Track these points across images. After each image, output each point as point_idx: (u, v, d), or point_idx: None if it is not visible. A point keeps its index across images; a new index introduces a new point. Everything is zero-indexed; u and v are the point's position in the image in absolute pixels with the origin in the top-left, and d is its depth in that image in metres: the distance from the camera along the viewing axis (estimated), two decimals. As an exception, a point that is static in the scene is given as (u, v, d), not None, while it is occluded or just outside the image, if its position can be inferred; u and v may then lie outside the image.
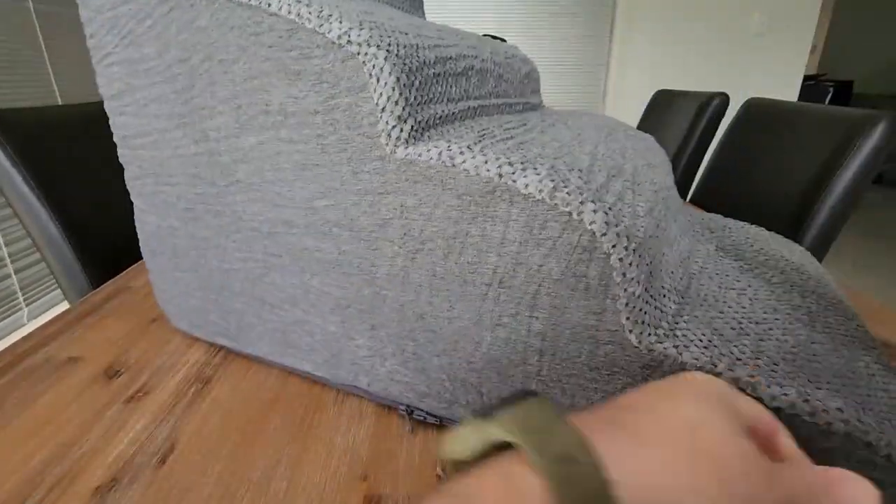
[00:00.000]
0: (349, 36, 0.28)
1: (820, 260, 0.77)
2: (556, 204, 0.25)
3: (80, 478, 0.33)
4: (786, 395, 0.23)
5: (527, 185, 0.25)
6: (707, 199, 1.11)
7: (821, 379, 0.25)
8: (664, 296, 0.28)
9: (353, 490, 0.32)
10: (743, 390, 0.24)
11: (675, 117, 1.41)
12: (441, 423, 0.37)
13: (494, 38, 0.66)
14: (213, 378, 0.43)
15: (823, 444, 0.23)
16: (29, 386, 0.42)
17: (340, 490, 0.32)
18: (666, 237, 0.33)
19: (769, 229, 0.49)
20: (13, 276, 1.57)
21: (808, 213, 0.80)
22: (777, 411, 0.23)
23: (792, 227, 0.82)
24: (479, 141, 0.29)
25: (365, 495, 0.31)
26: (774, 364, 0.25)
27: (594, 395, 0.29)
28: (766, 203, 0.92)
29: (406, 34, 0.32)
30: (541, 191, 0.25)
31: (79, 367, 0.45)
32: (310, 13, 0.28)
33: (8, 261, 1.55)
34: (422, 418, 0.37)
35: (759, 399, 0.24)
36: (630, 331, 0.26)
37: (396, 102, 0.28)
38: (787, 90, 2.47)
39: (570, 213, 0.25)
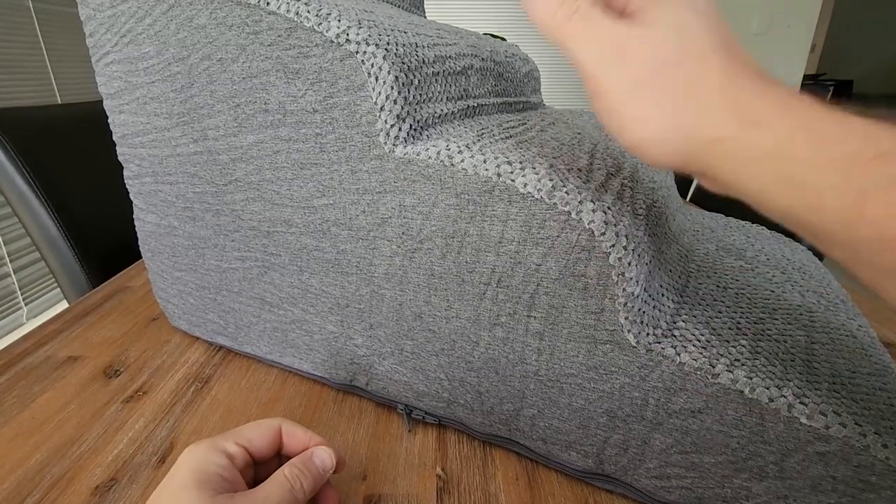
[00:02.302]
0: (348, 34, 0.28)
1: (820, 259, 0.77)
2: (554, 203, 0.25)
3: (79, 477, 0.33)
4: (784, 396, 0.23)
5: (525, 185, 0.25)
6: (707, 199, 1.10)
7: (820, 380, 0.25)
8: (662, 295, 0.28)
9: (352, 489, 0.32)
10: (742, 391, 0.24)
11: (675, 117, 1.41)
12: (440, 423, 0.37)
13: (495, 37, 0.66)
14: (212, 377, 0.43)
15: (821, 448, 0.23)
16: (28, 385, 0.42)
17: (340, 489, 0.32)
18: (665, 236, 0.33)
19: (769, 228, 0.49)
20: (12, 276, 1.57)
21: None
22: (775, 413, 0.23)
23: (791, 227, 0.82)
24: (478, 140, 0.29)
25: (365, 495, 0.31)
26: (772, 365, 0.25)
27: (592, 394, 0.29)
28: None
29: (405, 33, 0.31)
30: (539, 190, 0.25)
31: (78, 366, 0.45)
32: (308, 12, 0.28)
33: (7, 260, 1.55)
34: (420, 417, 0.37)
35: (758, 401, 0.24)
36: (628, 330, 0.26)
37: (395, 101, 0.28)
38: (787, 90, 2.46)
39: (568, 213, 0.25)
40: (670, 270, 0.31)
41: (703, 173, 0.19)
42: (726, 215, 0.55)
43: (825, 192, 0.16)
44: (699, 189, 1.16)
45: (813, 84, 3.58)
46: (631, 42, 0.19)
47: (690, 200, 1.13)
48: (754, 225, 0.50)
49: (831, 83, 3.65)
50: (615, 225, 0.25)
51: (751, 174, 0.18)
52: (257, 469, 0.26)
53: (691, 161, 0.19)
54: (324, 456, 0.26)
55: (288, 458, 0.26)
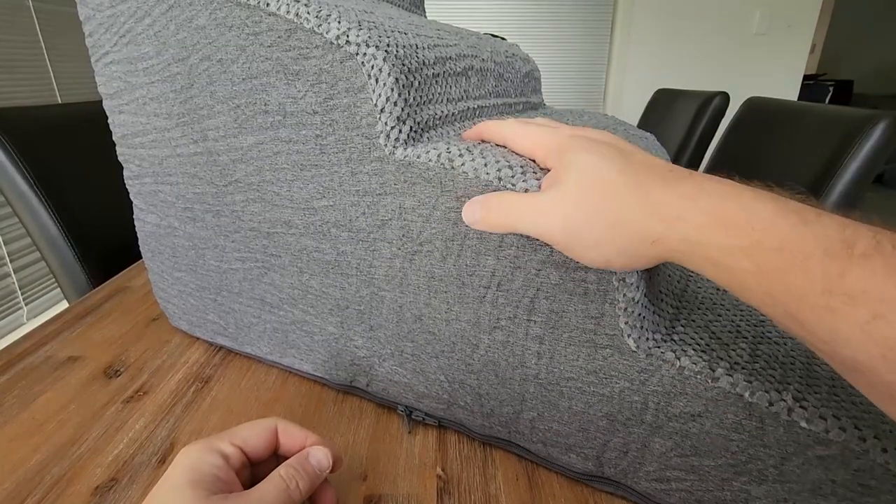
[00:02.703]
0: (348, 36, 0.28)
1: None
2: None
3: (79, 477, 0.33)
4: (783, 400, 0.23)
5: (526, 190, 0.25)
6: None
7: (819, 384, 0.25)
8: (662, 300, 0.28)
9: (353, 490, 0.32)
10: (741, 395, 0.24)
11: (676, 116, 1.41)
12: (440, 424, 0.37)
13: (495, 37, 0.66)
14: (212, 378, 0.43)
15: (821, 451, 0.23)
16: (28, 385, 0.42)
17: (340, 490, 0.32)
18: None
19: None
20: (12, 275, 1.57)
21: (808, 213, 0.80)
22: (774, 417, 0.23)
23: (792, 227, 0.82)
24: (479, 143, 0.29)
25: (365, 495, 0.32)
26: (771, 369, 0.25)
27: (592, 398, 0.29)
28: (766, 203, 0.92)
29: (405, 34, 0.31)
30: (540, 193, 0.25)
31: (78, 366, 0.45)
32: (308, 13, 0.28)
33: (7, 260, 1.55)
34: (420, 419, 0.37)
35: (758, 404, 0.24)
36: (628, 335, 0.26)
37: (395, 103, 0.28)
38: (787, 89, 2.46)
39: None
40: (669, 275, 0.31)
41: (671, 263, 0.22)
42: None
43: (744, 275, 0.18)
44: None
45: (813, 84, 3.59)
46: (548, 205, 0.23)
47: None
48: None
49: (831, 83, 3.65)
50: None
51: (692, 262, 0.20)
52: (254, 469, 0.26)
53: (650, 261, 0.22)
54: (320, 455, 0.26)
55: (285, 457, 0.26)
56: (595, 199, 0.22)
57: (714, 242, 0.19)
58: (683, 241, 0.20)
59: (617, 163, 0.22)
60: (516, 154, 0.28)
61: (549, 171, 0.26)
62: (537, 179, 0.25)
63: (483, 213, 0.26)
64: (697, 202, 0.19)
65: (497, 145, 0.29)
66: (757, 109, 1.07)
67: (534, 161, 0.27)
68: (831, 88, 3.58)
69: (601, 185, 0.22)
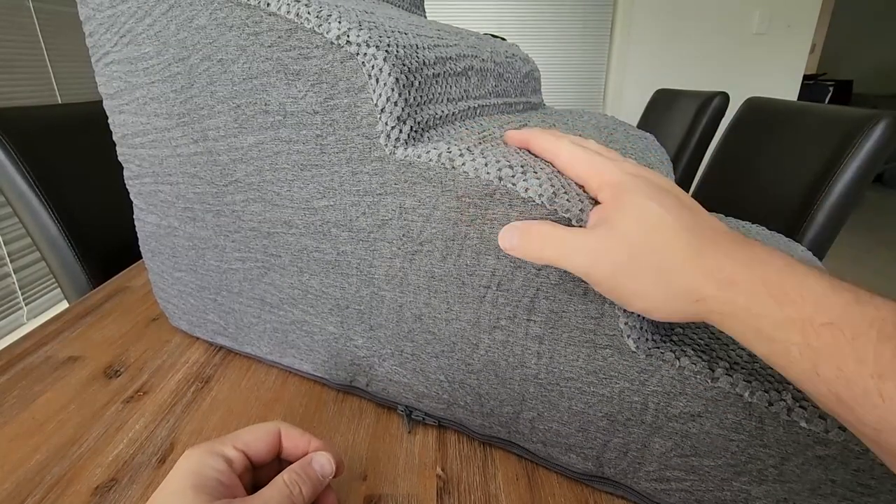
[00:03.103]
0: (348, 36, 0.28)
1: (820, 259, 0.77)
2: (555, 209, 0.25)
3: (79, 477, 0.33)
4: (783, 400, 0.23)
5: (527, 189, 0.25)
6: (707, 198, 1.11)
7: None
8: None
9: (353, 490, 0.32)
10: (741, 395, 0.24)
11: (676, 116, 1.41)
12: (440, 424, 0.37)
13: (495, 37, 0.66)
14: (212, 378, 0.43)
15: (821, 451, 0.23)
16: (28, 385, 0.42)
17: (340, 490, 0.32)
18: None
19: (769, 228, 0.49)
20: (12, 276, 1.57)
21: (808, 213, 0.80)
22: (774, 417, 0.23)
23: (791, 227, 0.82)
24: (480, 143, 0.29)
25: (365, 495, 0.32)
26: (771, 369, 0.25)
27: (592, 398, 0.29)
28: (766, 202, 0.92)
29: (405, 34, 0.31)
30: (541, 195, 0.25)
31: (78, 366, 0.45)
32: (309, 13, 0.28)
33: (7, 260, 1.55)
34: (420, 419, 0.37)
35: (757, 404, 0.24)
36: (628, 335, 0.26)
37: (396, 103, 0.28)
38: (787, 89, 2.46)
39: (569, 220, 0.25)
40: None
41: (709, 324, 0.22)
42: (725, 215, 0.55)
43: (790, 348, 0.18)
44: (699, 189, 1.16)
45: (813, 84, 3.59)
46: (597, 244, 0.23)
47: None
48: (754, 225, 0.50)
49: (831, 83, 3.65)
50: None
51: (733, 327, 0.20)
52: (256, 473, 0.26)
53: (689, 317, 0.21)
54: (323, 461, 0.26)
55: (287, 461, 0.26)
56: (651, 250, 0.21)
57: (765, 312, 0.19)
58: (730, 304, 0.19)
59: (680, 218, 0.22)
60: (517, 154, 0.28)
61: (593, 199, 0.25)
62: (537, 178, 0.25)
63: (521, 241, 0.25)
64: (752, 270, 0.19)
65: (502, 142, 0.29)
66: (757, 109, 1.07)
67: (580, 187, 0.26)
68: (831, 88, 3.58)
69: (660, 238, 0.21)
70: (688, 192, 1.28)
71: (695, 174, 1.33)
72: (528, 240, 0.25)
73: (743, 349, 0.26)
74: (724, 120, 1.28)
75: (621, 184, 0.24)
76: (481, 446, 0.36)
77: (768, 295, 0.19)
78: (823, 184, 0.79)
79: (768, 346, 0.19)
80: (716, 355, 0.25)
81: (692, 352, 0.25)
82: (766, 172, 0.96)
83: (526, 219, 0.26)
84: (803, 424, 0.23)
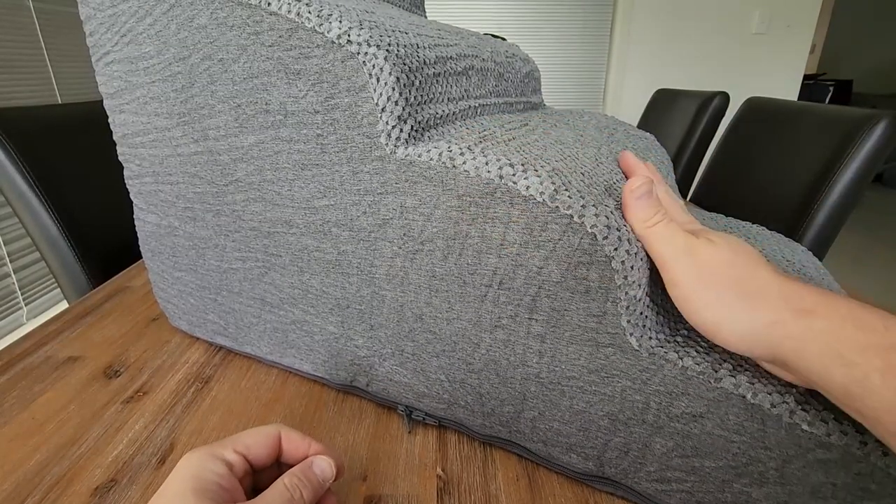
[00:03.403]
0: (349, 35, 0.28)
1: (820, 259, 0.77)
2: (556, 206, 0.25)
3: (78, 478, 0.33)
4: (785, 402, 0.23)
5: (528, 187, 0.25)
6: (707, 198, 1.11)
7: None
8: (666, 300, 0.28)
9: (353, 490, 0.32)
10: (744, 396, 0.24)
11: (676, 116, 1.41)
12: (440, 424, 0.37)
13: (495, 37, 0.66)
14: (212, 378, 0.43)
15: (822, 455, 0.23)
16: (28, 385, 0.42)
17: (340, 490, 0.32)
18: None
19: (769, 228, 0.49)
20: (12, 276, 1.57)
21: (808, 212, 0.80)
22: (777, 419, 0.23)
23: (791, 227, 0.82)
24: (480, 142, 0.29)
25: (365, 495, 0.31)
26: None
27: (594, 397, 0.29)
28: (766, 202, 0.92)
29: (406, 34, 0.31)
30: (542, 193, 0.25)
31: (78, 366, 0.45)
32: (309, 12, 0.28)
33: (7, 260, 1.55)
34: (421, 419, 0.37)
35: (760, 406, 0.24)
36: (631, 334, 0.26)
37: (396, 102, 0.28)
38: (787, 89, 2.46)
39: (570, 216, 0.25)
40: None
41: (773, 358, 0.22)
42: (725, 215, 0.55)
43: (871, 374, 0.18)
44: (699, 189, 1.16)
45: (813, 84, 3.59)
46: (698, 247, 0.24)
47: (690, 201, 1.13)
48: (755, 225, 0.50)
49: (831, 83, 3.65)
50: (618, 229, 0.25)
51: (810, 352, 0.20)
52: (255, 477, 0.26)
53: (756, 343, 0.22)
54: (324, 465, 0.26)
55: (287, 464, 0.26)
56: (742, 269, 0.23)
57: (846, 335, 0.19)
58: (809, 329, 0.20)
59: (760, 254, 0.24)
60: (518, 153, 0.28)
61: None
62: (538, 176, 0.25)
63: (644, 209, 0.26)
64: (831, 301, 0.21)
65: (503, 141, 0.29)
66: (757, 109, 1.07)
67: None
68: (831, 88, 3.58)
69: (748, 261, 0.23)
70: (688, 192, 1.29)
71: (695, 174, 1.33)
72: (653, 210, 0.26)
73: None
74: (724, 120, 1.28)
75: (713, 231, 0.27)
76: (481, 446, 0.36)
77: (849, 322, 0.19)
78: (823, 184, 0.79)
79: (846, 372, 0.19)
80: (719, 357, 0.25)
81: (696, 353, 0.25)
82: (766, 172, 0.96)
83: (527, 218, 0.26)
84: (805, 427, 0.23)
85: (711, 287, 0.23)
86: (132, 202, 0.45)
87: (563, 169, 0.27)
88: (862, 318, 0.19)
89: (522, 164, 0.26)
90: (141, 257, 0.49)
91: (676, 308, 0.28)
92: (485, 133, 0.31)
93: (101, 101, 0.42)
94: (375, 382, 0.38)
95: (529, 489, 0.32)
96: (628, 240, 0.25)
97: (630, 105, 2.50)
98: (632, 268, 0.25)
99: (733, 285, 0.23)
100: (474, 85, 0.38)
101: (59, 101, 1.73)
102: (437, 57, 0.33)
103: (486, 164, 0.26)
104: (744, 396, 0.24)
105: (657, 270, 0.26)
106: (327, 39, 0.28)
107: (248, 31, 0.30)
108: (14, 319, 1.58)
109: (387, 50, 0.28)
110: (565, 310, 0.27)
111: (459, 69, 0.36)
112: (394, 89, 0.28)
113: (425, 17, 0.63)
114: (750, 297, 0.22)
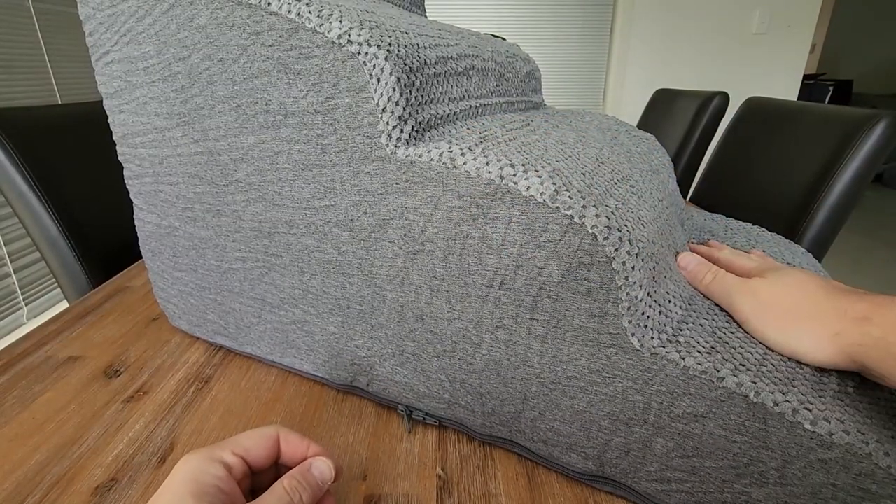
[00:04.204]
0: (349, 36, 0.28)
1: (819, 259, 0.77)
2: (557, 207, 0.25)
3: (79, 477, 0.33)
4: (788, 401, 0.23)
5: (528, 188, 0.25)
6: (707, 199, 1.11)
7: (825, 389, 0.24)
8: (669, 301, 0.28)
9: (353, 489, 0.32)
10: (746, 395, 0.24)
11: (676, 116, 1.41)
12: (440, 424, 0.37)
13: (495, 37, 0.65)
14: (212, 377, 0.43)
15: (823, 455, 0.23)
16: (28, 385, 0.42)
17: (340, 490, 0.32)
18: (672, 245, 0.33)
19: (769, 228, 0.49)
20: (13, 276, 1.57)
21: (808, 213, 0.80)
22: (779, 418, 0.23)
23: (791, 227, 0.82)
24: (481, 142, 0.29)
25: (365, 495, 0.31)
26: (777, 371, 0.25)
27: (594, 397, 0.29)
28: (766, 202, 0.92)
29: (407, 34, 0.31)
30: (542, 193, 0.25)
31: (78, 366, 0.45)
32: (310, 12, 0.28)
33: (7, 260, 1.55)
34: (421, 418, 0.37)
35: (762, 405, 0.24)
36: (632, 334, 0.26)
37: (397, 103, 0.28)
38: (787, 89, 2.46)
39: (571, 217, 0.25)
40: (676, 279, 0.31)
41: (856, 366, 0.24)
42: (726, 215, 0.55)
43: None
44: (699, 189, 1.16)
45: (813, 84, 3.59)
46: (754, 286, 0.29)
47: (690, 201, 1.13)
48: (755, 227, 0.50)
49: (831, 83, 3.65)
50: (618, 230, 0.25)
51: (874, 357, 0.22)
52: (254, 478, 0.26)
53: (833, 355, 0.24)
54: (323, 468, 0.26)
55: (285, 466, 0.26)
56: (796, 296, 0.27)
57: None
58: (867, 336, 0.23)
59: (815, 279, 0.28)
60: (518, 153, 0.28)
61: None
62: (539, 177, 0.25)
63: (694, 274, 0.32)
64: (884, 307, 0.23)
65: (504, 141, 0.29)
66: (757, 109, 1.06)
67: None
68: (831, 88, 3.58)
69: (805, 288, 0.27)
70: (688, 192, 1.29)
71: (695, 174, 1.33)
72: (712, 277, 0.31)
73: (749, 351, 0.26)
74: (724, 120, 1.28)
75: (768, 267, 0.31)
76: (481, 446, 0.36)
77: None
78: (823, 184, 0.79)
79: None
80: (721, 357, 0.25)
81: (697, 353, 0.25)
82: (766, 172, 0.96)
83: (528, 218, 0.26)
84: (807, 426, 0.23)
85: (774, 317, 0.27)
86: (132, 202, 0.45)
87: (563, 169, 0.27)
88: None
89: (523, 165, 0.26)
90: (141, 257, 0.49)
91: (681, 310, 0.29)
92: (485, 133, 0.31)
93: (101, 101, 0.42)
94: (376, 382, 0.38)
95: (529, 489, 0.32)
96: (629, 240, 0.25)
97: (630, 105, 2.50)
98: (633, 268, 0.25)
99: (791, 311, 0.26)
100: (475, 85, 0.38)
101: (59, 101, 1.73)
102: (437, 57, 0.33)
103: (487, 164, 0.26)
104: (746, 396, 0.24)
105: (659, 271, 0.26)
106: (328, 39, 0.28)
107: (248, 31, 0.30)
108: (14, 319, 1.58)
109: (387, 50, 0.28)
110: (566, 310, 0.27)
111: (460, 69, 0.36)
112: (394, 89, 0.28)
113: (425, 16, 0.63)
114: (808, 318, 0.25)
